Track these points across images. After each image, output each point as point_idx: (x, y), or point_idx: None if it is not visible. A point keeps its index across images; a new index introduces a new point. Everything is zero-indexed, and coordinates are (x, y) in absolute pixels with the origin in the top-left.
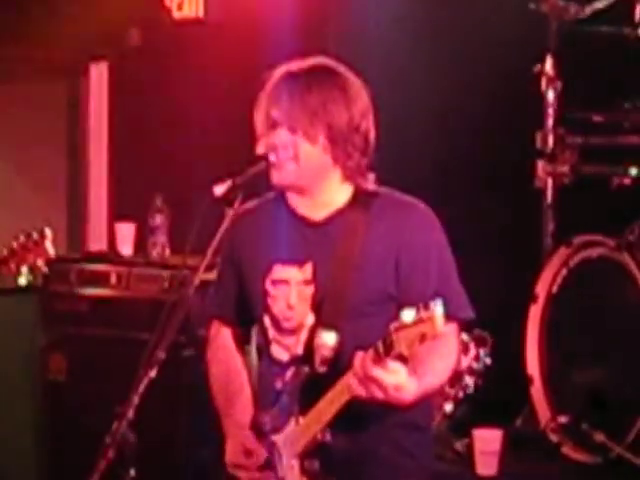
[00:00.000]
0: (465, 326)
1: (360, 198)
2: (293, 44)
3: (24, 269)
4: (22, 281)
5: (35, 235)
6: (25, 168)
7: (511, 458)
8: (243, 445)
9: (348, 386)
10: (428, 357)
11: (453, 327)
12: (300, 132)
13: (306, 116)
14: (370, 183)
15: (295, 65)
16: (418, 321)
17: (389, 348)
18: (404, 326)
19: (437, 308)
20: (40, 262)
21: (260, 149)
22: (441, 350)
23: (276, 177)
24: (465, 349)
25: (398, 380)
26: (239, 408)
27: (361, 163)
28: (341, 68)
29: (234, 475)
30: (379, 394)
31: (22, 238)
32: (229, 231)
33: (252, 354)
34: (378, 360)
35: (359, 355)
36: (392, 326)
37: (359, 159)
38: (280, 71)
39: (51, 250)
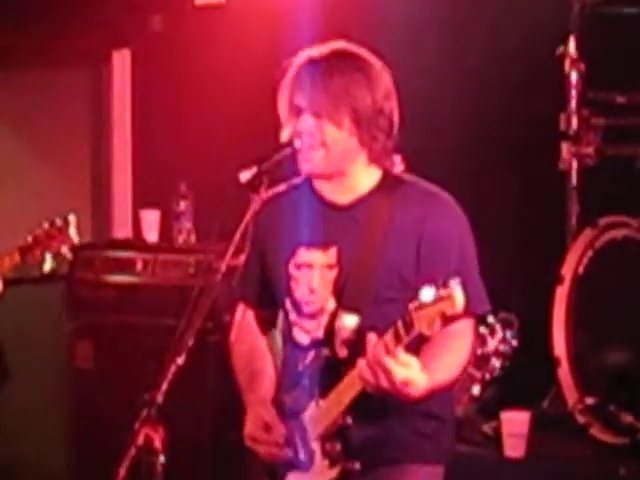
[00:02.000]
0: (481, 319)
1: (387, 183)
2: (315, 29)
3: (48, 256)
4: (46, 268)
5: (59, 222)
6: (49, 156)
7: (539, 440)
8: (263, 420)
9: (359, 373)
10: (440, 352)
11: (469, 322)
12: (325, 117)
13: (330, 100)
14: (397, 165)
15: (316, 51)
16: (437, 299)
17: (409, 327)
18: (423, 305)
19: (456, 286)
20: (64, 249)
21: (284, 137)
22: (454, 346)
23: (305, 164)
24: (492, 331)
25: (408, 375)
26: (261, 385)
27: (387, 145)
28: (362, 51)
29: (251, 447)
30: (385, 384)
31: (46, 225)
32: (256, 215)
33: (277, 337)
34: (390, 349)
35: (373, 340)
36: (411, 305)
37: (384, 141)
38: (301, 57)
39: (75, 237)
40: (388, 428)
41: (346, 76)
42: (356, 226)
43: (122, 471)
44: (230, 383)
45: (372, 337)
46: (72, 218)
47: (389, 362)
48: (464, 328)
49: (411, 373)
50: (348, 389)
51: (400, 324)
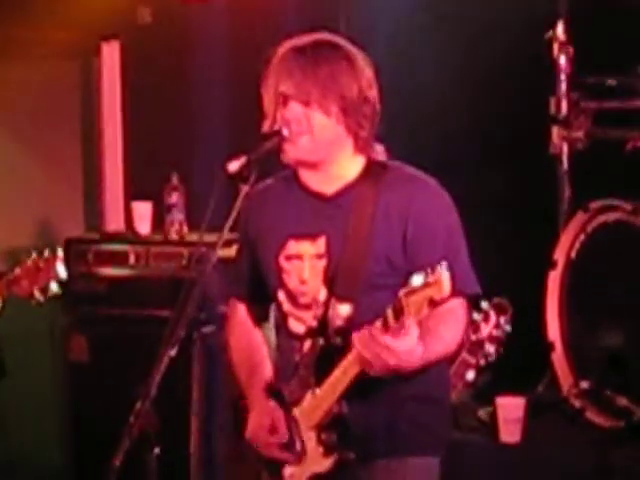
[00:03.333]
0: (473, 302)
1: (371, 171)
2: (302, 20)
3: (36, 292)
4: (35, 301)
5: (47, 254)
6: (39, 149)
7: (534, 425)
8: (266, 421)
9: (359, 356)
10: (435, 327)
11: (460, 301)
12: (314, 104)
13: (318, 88)
14: (379, 154)
15: (299, 40)
16: (425, 285)
17: (399, 313)
18: (413, 291)
19: (443, 271)
20: (53, 284)
21: (267, 126)
22: (448, 321)
23: (292, 151)
24: (486, 317)
25: (408, 345)
26: (261, 379)
27: (371, 133)
28: (343, 41)
29: (253, 444)
30: (390, 360)
31: (34, 255)
32: (244, 210)
33: (270, 331)
34: (387, 328)
35: (365, 327)
36: (402, 292)
37: (370, 129)
38: (285, 47)
39: (63, 272)
40: (384, 416)
41: (333, 64)
42: (343, 214)
43: (117, 463)
44: (222, 373)
45: (364, 329)
46: (60, 251)
47: (388, 339)
48: (455, 306)
49: (411, 342)
50: (342, 377)
51: (390, 311)
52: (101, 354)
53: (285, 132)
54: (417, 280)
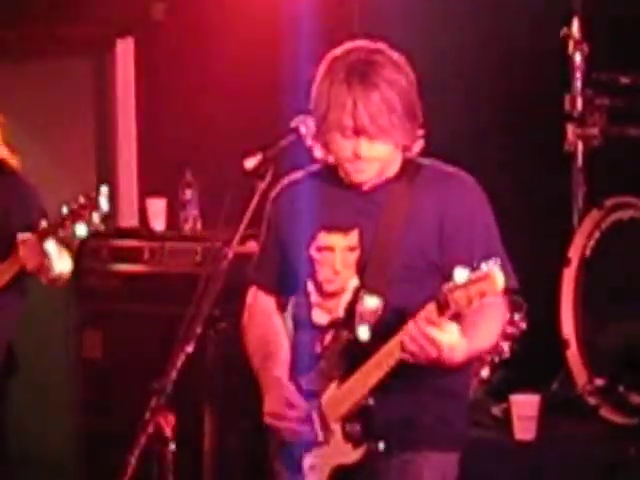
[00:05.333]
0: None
1: (407, 168)
2: (316, 14)
3: (81, 227)
4: (78, 234)
5: (92, 193)
6: (54, 145)
7: (549, 422)
8: (284, 396)
9: (395, 349)
10: (478, 320)
11: (501, 297)
12: (381, 139)
13: (387, 127)
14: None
15: (354, 54)
16: (476, 279)
17: (444, 307)
18: (458, 286)
19: (495, 267)
20: (95, 216)
21: (294, 121)
22: (490, 314)
23: (358, 177)
24: None
25: (452, 340)
26: (278, 363)
27: (419, 135)
28: (392, 52)
29: (272, 425)
30: (433, 352)
31: (82, 199)
32: (274, 203)
33: (288, 323)
34: (432, 320)
35: (413, 316)
36: (445, 287)
37: (417, 132)
38: (341, 57)
39: (105, 205)
40: (406, 410)
41: (406, 98)
42: (377, 209)
43: (132, 460)
44: (239, 370)
45: (412, 316)
46: (104, 189)
47: (432, 331)
48: (497, 301)
49: (454, 337)
50: (374, 370)
51: (434, 304)
52: (115, 350)
53: (302, 129)
54: (461, 275)
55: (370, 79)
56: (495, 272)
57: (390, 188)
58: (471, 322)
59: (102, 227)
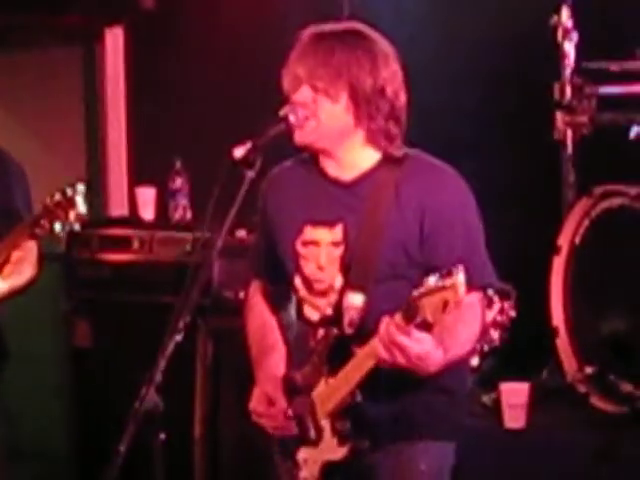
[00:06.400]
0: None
1: (389, 161)
2: (307, 6)
3: (57, 225)
4: (57, 228)
5: (69, 191)
6: (43, 134)
7: (539, 410)
8: (266, 394)
9: (374, 351)
10: (455, 327)
11: (478, 296)
12: (322, 90)
13: (328, 74)
14: (399, 150)
15: (326, 27)
16: (441, 288)
17: (413, 314)
18: (427, 292)
19: (459, 275)
20: (72, 216)
21: (283, 110)
22: (467, 318)
23: (297, 135)
24: (490, 303)
25: (423, 349)
26: (271, 361)
27: (388, 127)
28: (373, 34)
29: (255, 421)
30: (402, 361)
31: (57, 196)
32: (262, 192)
33: (291, 312)
34: (403, 327)
35: (385, 320)
36: (415, 292)
37: (383, 123)
38: (309, 31)
39: (82, 205)
40: (399, 405)
41: (349, 53)
42: (361, 203)
43: (122, 449)
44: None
45: (384, 320)
46: (80, 187)
47: (401, 339)
48: (473, 301)
49: (426, 347)
50: (357, 368)
51: (403, 311)
52: (105, 339)
53: (292, 118)
54: (431, 281)
55: (326, 40)
56: (458, 282)
57: (372, 179)
58: (448, 330)
59: (78, 227)
